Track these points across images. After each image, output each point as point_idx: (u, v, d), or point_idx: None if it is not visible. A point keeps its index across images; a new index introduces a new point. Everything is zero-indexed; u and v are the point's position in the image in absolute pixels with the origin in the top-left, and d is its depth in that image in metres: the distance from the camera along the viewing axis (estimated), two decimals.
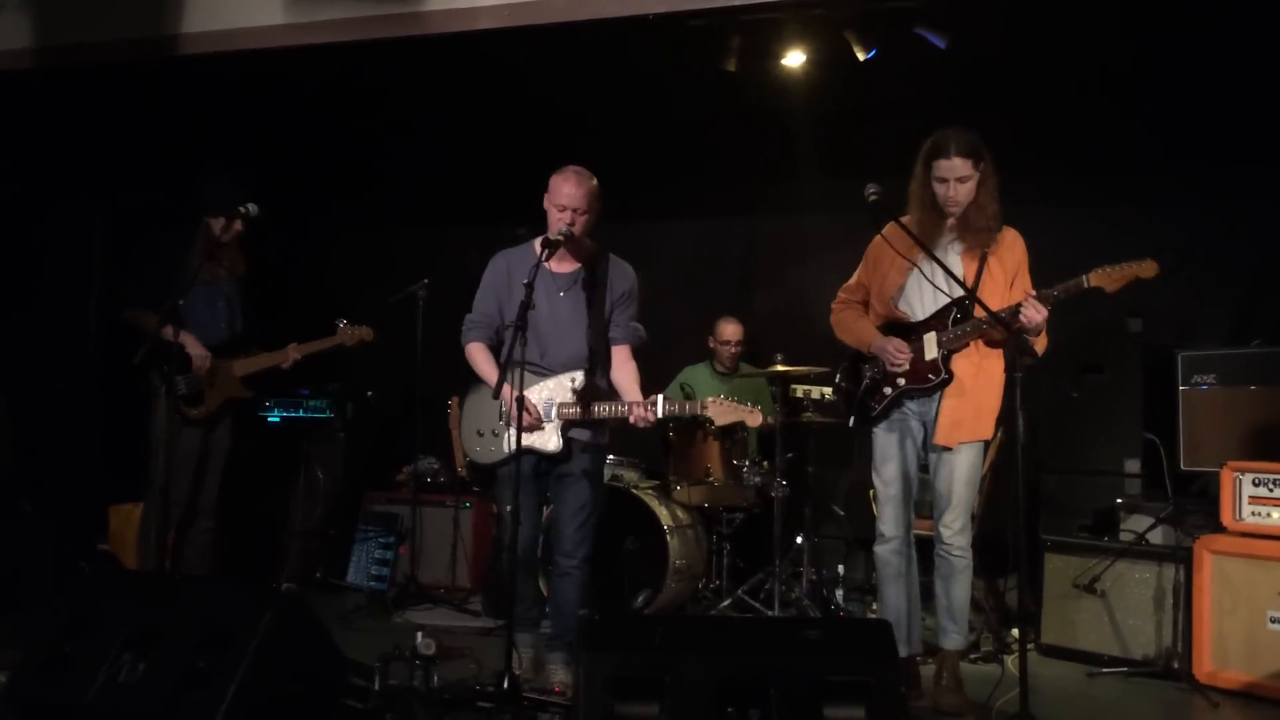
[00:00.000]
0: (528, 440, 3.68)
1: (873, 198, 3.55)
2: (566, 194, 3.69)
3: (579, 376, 3.72)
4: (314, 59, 4.63)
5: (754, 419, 3.67)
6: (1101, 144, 5.47)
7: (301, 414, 5.92)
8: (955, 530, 3.73)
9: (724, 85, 5.16)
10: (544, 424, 3.74)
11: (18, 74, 4.90)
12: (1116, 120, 5.42)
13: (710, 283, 6.39)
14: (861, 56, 4.73)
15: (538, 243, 3.77)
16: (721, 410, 3.63)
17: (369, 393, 6.09)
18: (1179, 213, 5.44)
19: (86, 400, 5.71)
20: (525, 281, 3.53)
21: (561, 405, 3.72)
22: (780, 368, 4.96)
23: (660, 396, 3.69)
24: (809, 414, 5.04)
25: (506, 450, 3.77)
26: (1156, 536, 4.43)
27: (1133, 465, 4.86)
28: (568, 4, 4.12)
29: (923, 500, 3.99)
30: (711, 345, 5.76)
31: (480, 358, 3.88)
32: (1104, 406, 4.92)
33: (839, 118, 5.74)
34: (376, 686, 3.33)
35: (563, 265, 3.83)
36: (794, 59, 5.26)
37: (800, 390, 4.99)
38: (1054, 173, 5.60)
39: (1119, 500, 4.68)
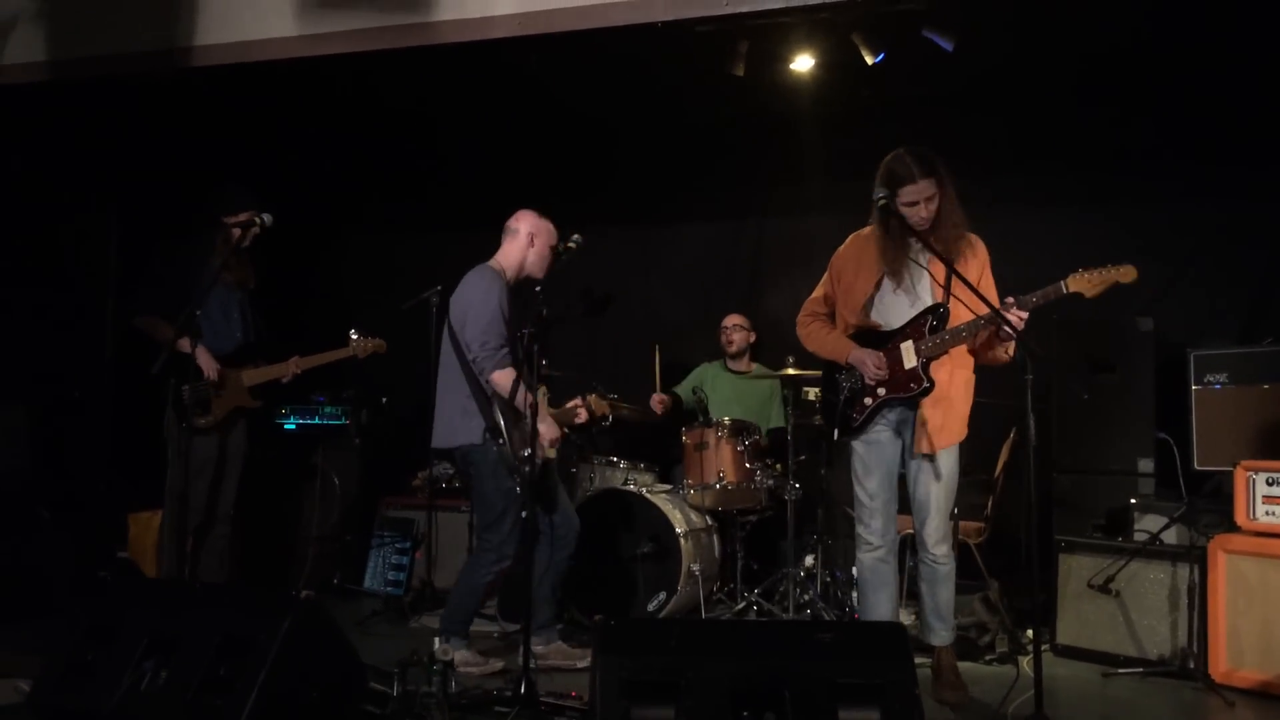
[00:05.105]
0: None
1: (881, 201, 3.61)
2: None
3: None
4: (328, 67, 4.66)
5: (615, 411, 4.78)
6: (1113, 145, 5.47)
7: (317, 421, 5.97)
8: (938, 538, 3.79)
9: (732, 90, 5.18)
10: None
11: (33, 86, 4.94)
12: (1128, 121, 5.42)
13: (720, 284, 6.42)
14: (870, 60, 4.74)
15: (508, 266, 4.30)
16: (597, 404, 4.64)
17: (384, 399, 6.12)
18: (1191, 212, 5.43)
19: (104, 408, 5.74)
20: (540, 303, 3.94)
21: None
22: (791, 370, 4.97)
23: (584, 397, 4.57)
24: (821, 417, 5.04)
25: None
26: (1170, 536, 4.42)
27: (1146, 465, 4.86)
28: (577, 13, 4.13)
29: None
30: (721, 341, 5.88)
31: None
32: (1116, 406, 4.91)
33: (846, 120, 5.76)
34: (395, 691, 3.35)
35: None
36: (802, 63, 5.28)
37: (812, 393, 5.00)
38: (1065, 174, 5.61)
39: (1132, 500, 4.67)
